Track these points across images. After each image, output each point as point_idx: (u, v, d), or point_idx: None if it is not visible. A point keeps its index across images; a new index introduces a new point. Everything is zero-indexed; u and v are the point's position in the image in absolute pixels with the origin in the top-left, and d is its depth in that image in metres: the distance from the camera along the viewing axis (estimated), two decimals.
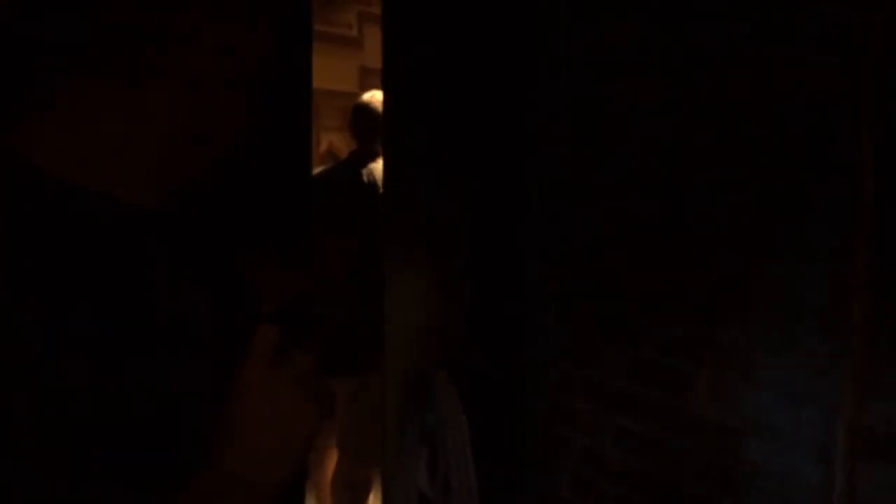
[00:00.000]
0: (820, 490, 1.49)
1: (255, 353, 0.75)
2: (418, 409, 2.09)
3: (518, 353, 2.16)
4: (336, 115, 3.53)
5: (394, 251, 2.41)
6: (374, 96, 3.06)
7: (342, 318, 2.81)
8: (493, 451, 2.14)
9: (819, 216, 1.50)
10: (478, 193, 2.18)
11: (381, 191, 2.84)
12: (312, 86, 1.72)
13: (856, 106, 1.39)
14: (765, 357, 1.61)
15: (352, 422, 3.02)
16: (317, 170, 3.05)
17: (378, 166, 2.92)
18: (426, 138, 2.25)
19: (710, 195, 1.71)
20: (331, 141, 4.33)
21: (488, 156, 2.16)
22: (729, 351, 1.69)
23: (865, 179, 1.35)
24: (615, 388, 1.96)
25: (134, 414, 0.66)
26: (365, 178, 2.94)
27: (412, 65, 2.25)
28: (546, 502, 2.13)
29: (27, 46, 0.68)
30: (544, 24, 2.04)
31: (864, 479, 1.41)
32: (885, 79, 1.36)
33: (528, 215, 2.13)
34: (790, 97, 1.54)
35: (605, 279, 1.97)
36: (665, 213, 1.80)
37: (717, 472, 1.72)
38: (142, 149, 0.72)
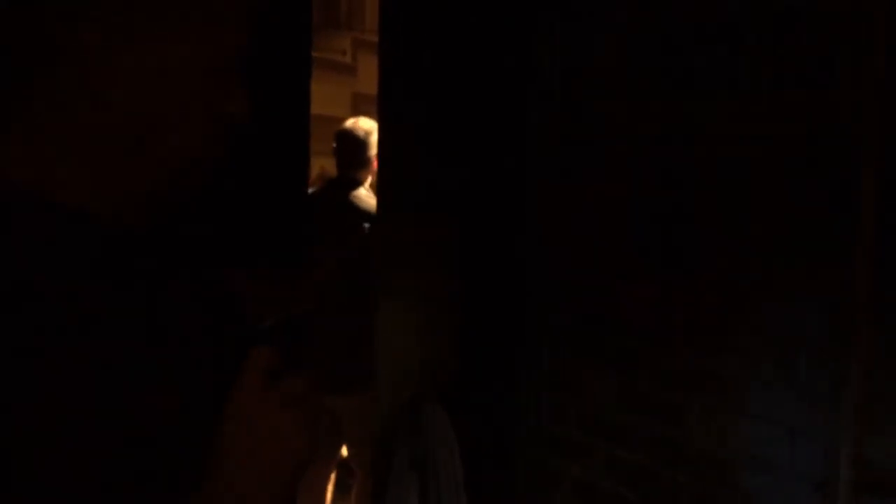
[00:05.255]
0: None
1: (247, 376, 0.73)
2: (409, 437, 2.06)
3: (510, 381, 2.13)
4: (329, 140, 3.58)
5: (385, 279, 2.39)
6: (357, 123, 3.09)
7: (332, 339, 2.80)
8: (484, 479, 2.11)
9: (817, 249, 1.49)
10: (470, 221, 2.17)
11: (361, 216, 2.89)
12: (310, 102, 1.71)
13: (856, 138, 1.39)
14: (759, 389, 1.60)
15: (356, 441, 3.00)
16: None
17: (359, 193, 2.97)
18: (420, 168, 2.25)
19: (706, 226, 1.70)
20: (322, 165, 4.34)
21: (481, 184, 2.15)
22: (723, 382, 1.67)
23: (865, 212, 1.35)
24: (608, 418, 1.93)
25: (121, 438, 0.64)
26: (347, 203, 2.96)
27: (407, 91, 2.26)
28: None
29: None
30: (540, 47, 2.04)
31: None
32: (886, 112, 1.36)
33: (522, 245, 2.12)
34: (788, 128, 1.54)
35: (599, 310, 1.95)
36: (661, 244, 1.79)
37: None
38: (110, 154, 0.69)
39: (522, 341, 2.12)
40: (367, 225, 2.90)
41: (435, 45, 2.18)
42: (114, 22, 0.67)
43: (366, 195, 2.99)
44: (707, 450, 1.70)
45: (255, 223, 1.53)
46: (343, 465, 3.27)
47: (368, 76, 2.59)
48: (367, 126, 3.07)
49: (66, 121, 0.68)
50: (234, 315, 1.17)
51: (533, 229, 2.10)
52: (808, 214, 1.51)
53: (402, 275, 2.29)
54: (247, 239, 1.49)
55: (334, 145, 3.12)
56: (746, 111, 1.61)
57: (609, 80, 1.92)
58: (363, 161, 3.04)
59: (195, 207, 0.92)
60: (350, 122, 3.11)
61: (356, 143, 3.03)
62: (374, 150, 3.03)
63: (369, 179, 3.10)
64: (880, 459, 1.39)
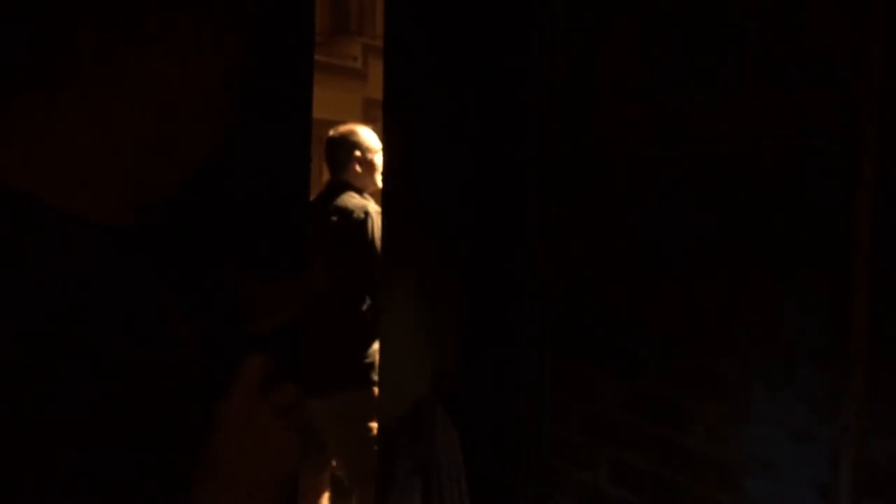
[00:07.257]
0: None
1: (240, 384, 0.73)
2: (412, 440, 2.06)
3: (513, 384, 2.13)
4: None
5: (389, 281, 2.40)
6: (338, 127, 3.14)
7: (314, 338, 2.81)
8: (488, 483, 2.11)
9: (816, 249, 1.49)
10: (474, 223, 2.17)
11: (349, 222, 2.93)
12: (312, 102, 1.72)
13: (853, 141, 1.38)
14: (763, 392, 1.59)
15: (335, 445, 2.99)
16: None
17: (347, 197, 3.00)
18: (423, 168, 2.26)
19: (709, 228, 1.70)
20: None
21: (484, 186, 2.16)
22: (726, 385, 1.67)
23: (862, 215, 1.34)
24: (611, 421, 1.93)
25: (112, 441, 0.64)
26: (332, 207, 2.99)
27: (411, 94, 2.27)
28: None
29: None
30: (541, 48, 2.05)
31: None
32: (885, 113, 1.36)
33: (524, 246, 2.12)
34: (786, 131, 1.53)
35: (602, 311, 1.95)
36: (664, 245, 1.79)
37: None
38: (107, 160, 0.71)
39: (524, 342, 2.12)
40: (344, 223, 2.92)
41: (438, 50, 2.19)
42: (158, 38, 0.69)
43: (355, 198, 3.00)
44: (710, 453, 1.70)
45: (256, 227, 1.55)
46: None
47: (379, 82, 2.63)
48: (344, 129, 3.13)
49: (111, 122, 0.69)
50: (232, 318, 1.18)
51: (533, 230, 2.10)
52: (808, 214, 1.50)
53: (405, 275, 2.30)
54: (247, 242, 1.50)
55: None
56: (745, 110, 1.61)
57: (610, 80, 1.93)
58: (341, 162, 3.08)
59: (199, 209, 0.93)
60: (332, 130, 3.16)
61: (332, 144, 3.10)
62: (354, 151, 3.06)
63: (372, 185, 3.12)
64: (882, 461, 1.38)
